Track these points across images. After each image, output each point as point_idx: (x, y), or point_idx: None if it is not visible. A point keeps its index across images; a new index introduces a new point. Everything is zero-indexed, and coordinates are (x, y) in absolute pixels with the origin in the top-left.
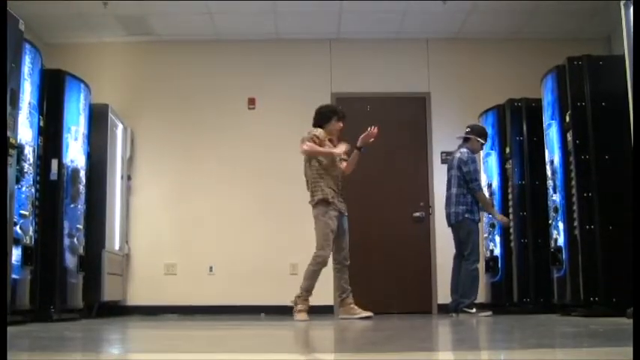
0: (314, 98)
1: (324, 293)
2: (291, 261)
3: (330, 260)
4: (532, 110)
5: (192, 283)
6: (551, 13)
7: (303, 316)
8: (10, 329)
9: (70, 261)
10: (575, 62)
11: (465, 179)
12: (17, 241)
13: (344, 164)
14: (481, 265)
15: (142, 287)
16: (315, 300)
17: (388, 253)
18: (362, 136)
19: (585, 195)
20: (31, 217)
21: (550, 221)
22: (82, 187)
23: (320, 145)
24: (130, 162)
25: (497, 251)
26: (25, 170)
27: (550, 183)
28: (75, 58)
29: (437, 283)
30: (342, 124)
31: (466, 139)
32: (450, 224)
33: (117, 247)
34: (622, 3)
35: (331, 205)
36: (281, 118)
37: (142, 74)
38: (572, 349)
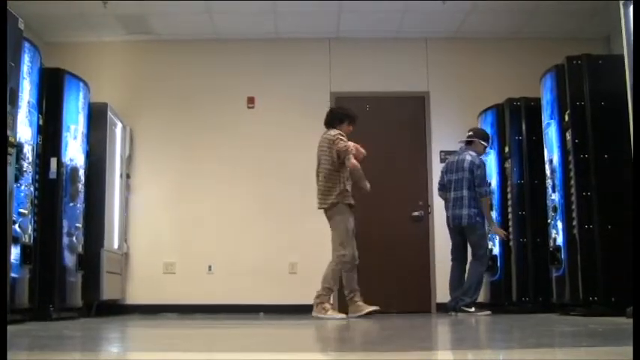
0: (313, 97)
1: None
2: (290, 260)
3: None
4: (531, 109)
5: (192, 282)
6: (550, 12)
7: (337, 313)
8: (9, 328)
9: (69, 260)
10: (575, 62)
11: (474, 182)
12: (16, 240)
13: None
14: None
15: (141, 286)
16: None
17: (387, 252)
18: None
19: (584, 194)
20: (30, 216)
21: (549, 220)
22: (81, 186)
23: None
24: (129, 161)
25: (496, 250)
26: (24, 169)
27: (549, 182)
28: (74, 57)
29: (436, 282)
30: (352, 129)
31: (469, 143)
32: (456, 226)
33: (116, 245)
34: (621, 2)
35: (348, 205)
36: (280, 117)
37: (141, 73)
38: (571, 349)
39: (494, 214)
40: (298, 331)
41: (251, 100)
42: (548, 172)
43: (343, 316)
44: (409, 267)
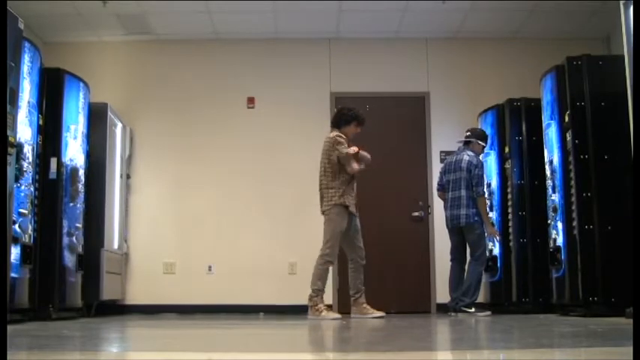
0: (313, 97)
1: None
2: (290, 260)
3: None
4: (531, 110)
5: (191, 282)
6: (550, 12)
7: (332, 313)
8: (9, 328)
9: (69, 260)
10: (575, 62)
11: (472, 182)
12: (16, 240)
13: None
14: None
15: (141, 286)
16: None
17: (387, 252)
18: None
19: (584, 195)
20: (30, 216)
21: (549, 221)
22: (81, 186)
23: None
24: (129, 161)
25: (496, 251)
26: (25, 169)
27: (549, 183)
28: (74, 57)
29: (436, 282)
30: (359, 130)
31: (467, 143)
32: (455, 226)
33: (116, 246)
34: (621, 3)
35: (347, 209)
36: (280, 117)
37: (141, 73)
38: (570, 349)
39: (494, 215)
40: (298, 331)
41: (251, 101)
42: (548, 172)
43: (338, 315)
44: (409, 267)
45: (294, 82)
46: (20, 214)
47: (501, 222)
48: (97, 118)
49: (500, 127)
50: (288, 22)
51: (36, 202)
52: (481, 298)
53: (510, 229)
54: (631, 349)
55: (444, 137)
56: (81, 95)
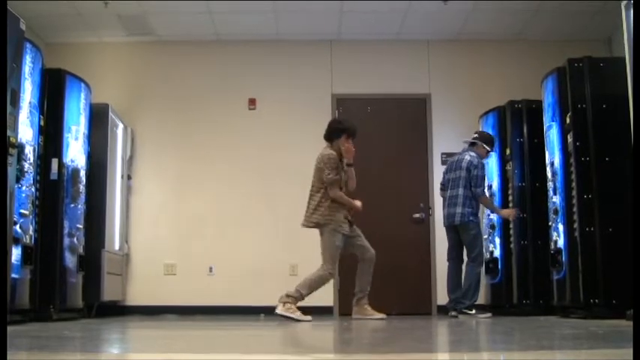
0: (314, 99)
1: (324, 294)
2: (290, 262)
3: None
4: (532, 112)
5: (192, 283)
6: (551, 14)
7: (302, 315)
8: (9, 329)
9: (70, 260)
10: (576, 64)
11: (470, 182)
12: (17, 241)
13: (351, 182)
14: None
15: (142, 287)
16: (316, 301)
17: (388, 254)
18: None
19: (585, 197)
20: (31, 217)
21: (550, 223)
22: (82, 187)
23: (336, 168)
24: (130, 162)
25: (497, 253)
26: (26, 169)
27: (550, 185)
28: (75, 58)
29: (436, 284)
30: (350, 142)
31: (472, 144)
32: (450, 224)
33: (117, 246)
34: (622, 4)
35: (340, 228)
36: (281, 118)
37: (142, 74)
38: (571, 351)
39: (494, 217)
40: (299, 332)
41: (252, 102)
42: (549, 174)
43: (309, 318)
44: (410, 269)
45: (296, 83)
46: (21, 215)
47: (502, 224)
48: (98, 118)
49: (501, 128)
50: (290, 23)
51: (37, 202)
52: (482, 299)
53: (511, 231)
54: (631, 351)
55: (445, 139)
56: (82, 96)
